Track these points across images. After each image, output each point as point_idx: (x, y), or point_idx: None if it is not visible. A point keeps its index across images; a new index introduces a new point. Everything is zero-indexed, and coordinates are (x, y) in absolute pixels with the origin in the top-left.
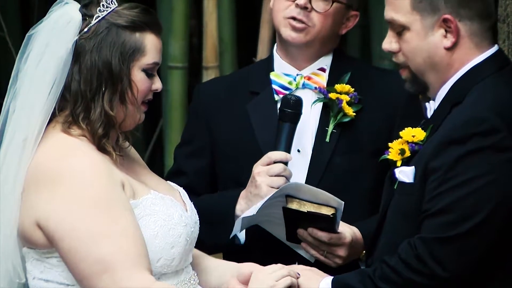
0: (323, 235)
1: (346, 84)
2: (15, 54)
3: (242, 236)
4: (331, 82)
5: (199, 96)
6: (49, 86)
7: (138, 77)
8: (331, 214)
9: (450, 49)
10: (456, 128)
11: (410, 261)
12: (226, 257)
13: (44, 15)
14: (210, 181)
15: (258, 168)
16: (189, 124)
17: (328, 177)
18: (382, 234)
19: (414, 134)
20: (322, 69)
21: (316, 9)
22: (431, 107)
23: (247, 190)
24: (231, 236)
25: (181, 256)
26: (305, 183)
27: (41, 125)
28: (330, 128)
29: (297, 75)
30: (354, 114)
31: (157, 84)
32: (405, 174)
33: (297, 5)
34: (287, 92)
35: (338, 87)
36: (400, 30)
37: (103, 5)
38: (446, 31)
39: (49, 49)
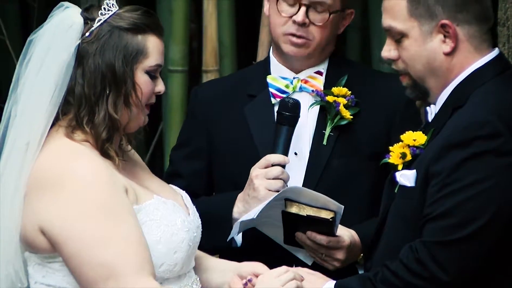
0: (322, 239)
1: (343, 87)
2: (15, 57)
3: (239, 239)
4: (328, 85)
5: (196, 98)
6: (51, 90)
7: (141, 79)
8: (331, 218)
9: (449, 54)
10: (458, 131)
11: (411, 265)
12: (223, 259)
13: (44, 19)
14: (207, 183)
15: (256, 171)
16: (185, 126)
17: (325, 180)
18: (382, 238)
19: (415, 137)
20: (319, 72)
21: (314, 22)
22: (431, 111)
23: (245, 193)
24: (228, 239)
25: (183, 261)
26: (303, 185)
27: (44, 129)
28: (328, 131)
29: (294, 78)
30: (351, 117)
31: (160, 87)
32: (406, 177)
33: (294, 22)
34: (284, 96)
35: (335, 90)
36: (399, 37)
37: (104, 8)
38: (444, 36)
39: (51, 53)
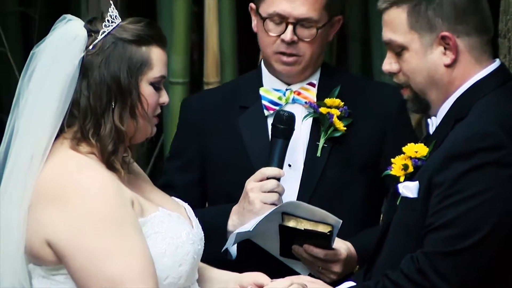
0: (319, 252)
1: (336, 98)
2: (16, 70)
3: (233, 251)
4: (321, 96)
5: (188, 108)
6: (55, 102)
7: (146, 91)
8: (328, 232)
9: (450, 66)
10: (460, 143)
11: (412, 275)
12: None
13: (45, 30)
14: (200, 194)
15: (251, 184)
16: (177, 137)
17: (320, 191)
18: (383, 249)
19: (417, 149)
20: (312, 84)
21: (302, 39)
22: (433, 123)
23: (240, 206)
24: (223, 249)
25: (188, 274)
26: (297, 197)
27: (48, 142)
28: (321, 143)
29: (287, 90)
30: (345, 128)
31: (164, 98)
32: (408, 189)
33: (283, 41)
34: (277, 108)
35: (328, 101)
36: (399, 50)
37: (108, 20)
38: (445, 48)
39: (55, 66)
